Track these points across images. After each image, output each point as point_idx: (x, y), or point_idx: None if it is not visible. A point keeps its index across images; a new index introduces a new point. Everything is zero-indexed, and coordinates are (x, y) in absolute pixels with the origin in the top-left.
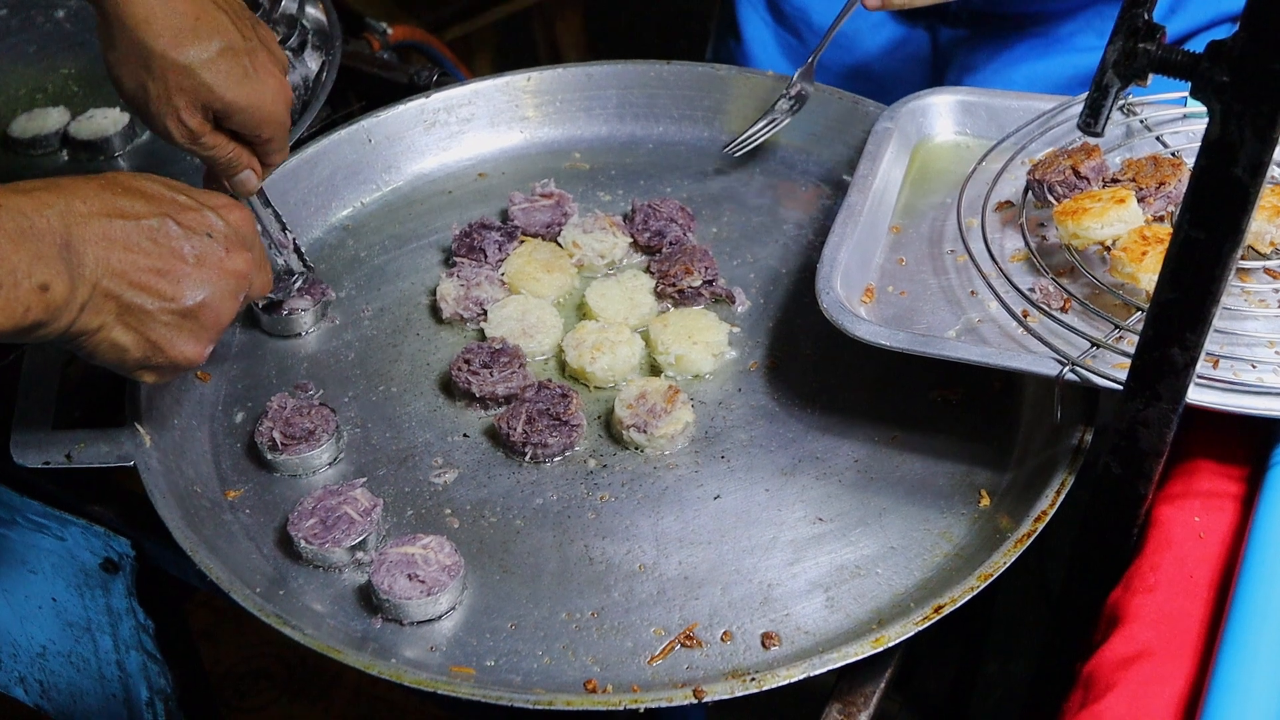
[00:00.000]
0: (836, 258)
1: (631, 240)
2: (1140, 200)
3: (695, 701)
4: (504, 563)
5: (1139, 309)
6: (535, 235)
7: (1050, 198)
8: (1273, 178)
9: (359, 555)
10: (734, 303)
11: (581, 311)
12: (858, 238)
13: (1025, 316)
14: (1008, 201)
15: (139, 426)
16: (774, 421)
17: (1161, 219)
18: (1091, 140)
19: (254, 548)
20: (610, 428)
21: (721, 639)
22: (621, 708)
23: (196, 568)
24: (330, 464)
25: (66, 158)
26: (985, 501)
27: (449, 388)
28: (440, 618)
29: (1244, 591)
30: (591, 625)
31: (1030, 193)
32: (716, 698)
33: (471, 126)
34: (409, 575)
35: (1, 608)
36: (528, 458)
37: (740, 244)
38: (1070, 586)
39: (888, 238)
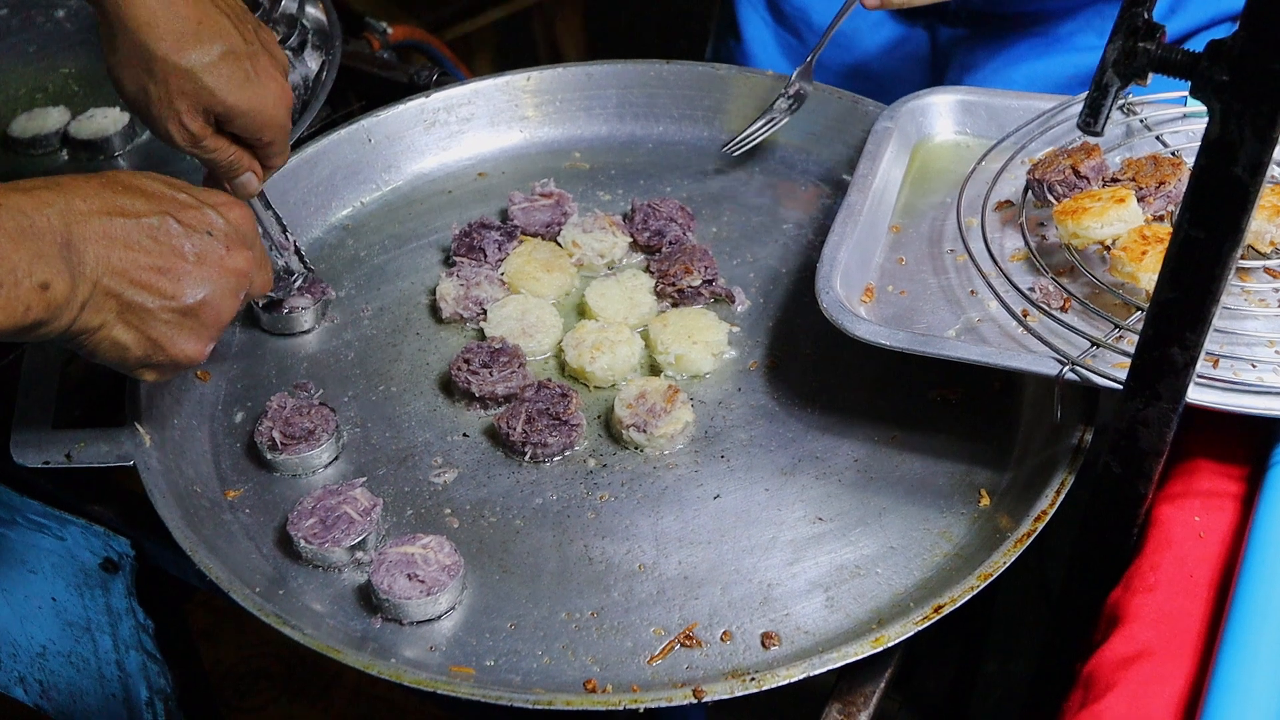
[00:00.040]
0: (836, 257)
1: (631, 240)
2: (1140, 200)
3: (695, 701)
4: (504, 562)
5: (1139, 308)
6: (535, 235)
7: (1050, 197)
8: (1272, 177)
9: (358, 555)
10: (734, 302)
11: (581, 311)
12: (857, 237)
13: (1025, 316)
14: (1007, 201)
15: (139, 426)
16: (774, 421)
17: (1161, 218)
18: (1091, 140)
19: (254, 547)
20: (610, 427)
21: (721, 639)
22: (621, 707)
23: (196, 567)
24: (330, 464)
25: (66, 157)
26: (985, 501)
27: (449, 387)
28: (440, 617)
29: (1244, 591)
30: (591, 625)
31: (1030, 192)
32: (716, 697)
33: (471, 126)
34: (409, 575)
35: (1, 607)
36: (527, 457)
37: (740, 243)
38: (1070, 586)
39: (887, 237)
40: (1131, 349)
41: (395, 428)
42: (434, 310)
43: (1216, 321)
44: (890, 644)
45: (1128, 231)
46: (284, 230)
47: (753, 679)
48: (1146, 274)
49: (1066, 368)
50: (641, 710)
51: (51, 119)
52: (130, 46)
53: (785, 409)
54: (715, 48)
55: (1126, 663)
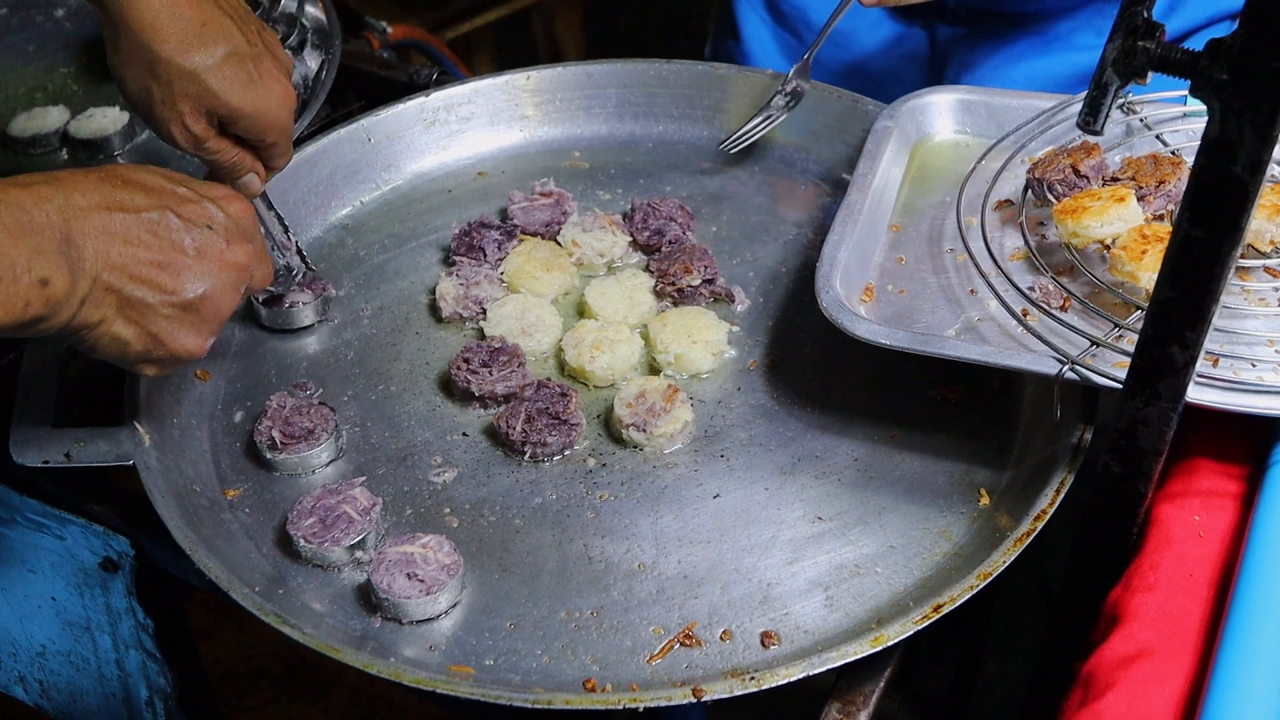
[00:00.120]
0: (836, 256)
1: (631, 239)
2: (1140, 199)
3: (694, 700)
4: (503, 562)
5: (1139, 307)
6: (535, 234)
7: (1050, 196)
8: (1272, 176)
9: (358, 554)
10: (733, 301)
11: (581, 310)
12: (857, 236)
13: (1025, 315)
14: (1007, 200)
15: (138, 425)
16: (773, 420)
17: (1161, 217)
18: (1091, 139)
19: (253, 547)
20: (609, 427)
21: (721, 638)
22: (620, 707)
23: (196, 567)
24: (329, 463)
25: (66, 156)
26: (985, 500)
27: (448, 387)
28: (439, 617)
29: (1244, 590)
30: (590, 624)
31: (1030, 191)
32: (716, 697)
33: (471, 125)
34: (408, 574)
35: (1, 607)
36: (527, 457)
37: (739, 243)
38: (1070, 585)
39: (887, 236)
40: (1131, 348)
41: (395, 427)
42: (433, 309)
43: (1216, 320)
44: (890, 643)
45: (1127, 230)
46: (286, 230)
47: (752, 678)
48: (1146, 273)
49: (1066, 367)
50: (641, 709)
51: (51, 118)
52: (133, 48)
53: (785, 408)
54: (714, 47)
55: (1126, 662)
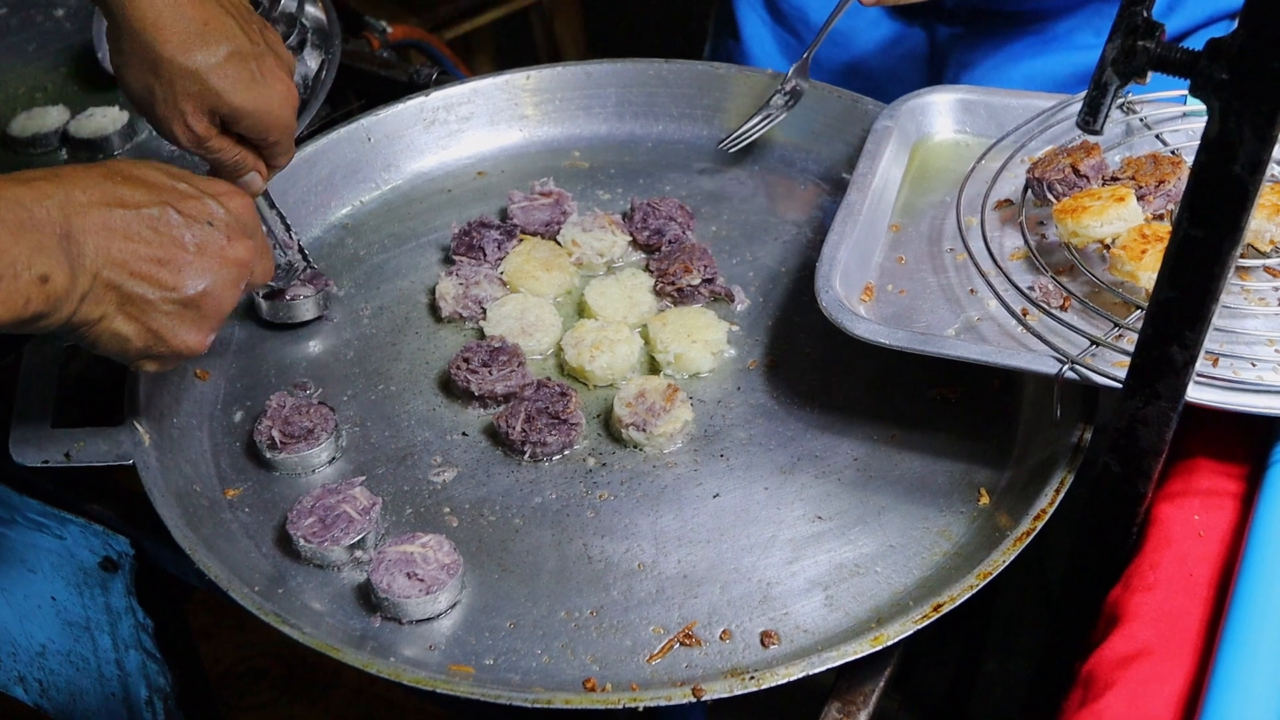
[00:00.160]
0: (836, 256)
1: (630, 239)
2: (1140, 198)
3: (694, 700)
4: (503, 561)
5: (1138, 307)
6: (534, 234)
7: (1050, 196)
8: (1272, 176)
9: (358, 554)
10: (733, 301)
11: (581, 310)
12: (857, 236)
13: (1025, 315)
14: (1007, 200)
15: (138, 425)
16: (773, 420)
17: (1161, 217)
18: (1091, 138)
19: (253, 546)
20: (609, 426)
21: (720, 637)
22: (620, 706)
23: (195, 566)
24: (329, 463)
25: (66, 156)
26: (984, 500)
27: (448, 386)
28: (439, 616)
29: (1243, 590)
30: (590, 624)
31: (1030, 191)
32: (715, 696)
33: (471, 125)
34: (408, 574)
35: (1, 607)
36: (527, 456)
37: (739, 242)
38: (1070, 585)
39: (887, 236)
40: (1131, 348)
41: (394, 427)
42: (433, 309)
43: (1216, 320)
44: (890, 643)
45: (1127, 230)
46: (288, 228)
47: (752, 678)
48: (1146, 273)
49: (1066, 366)
50: (641, 709)
51: (51, 118)
52: (136, 47)
53: (784, 408)
54: (713, 47)
55: (1126, 661)
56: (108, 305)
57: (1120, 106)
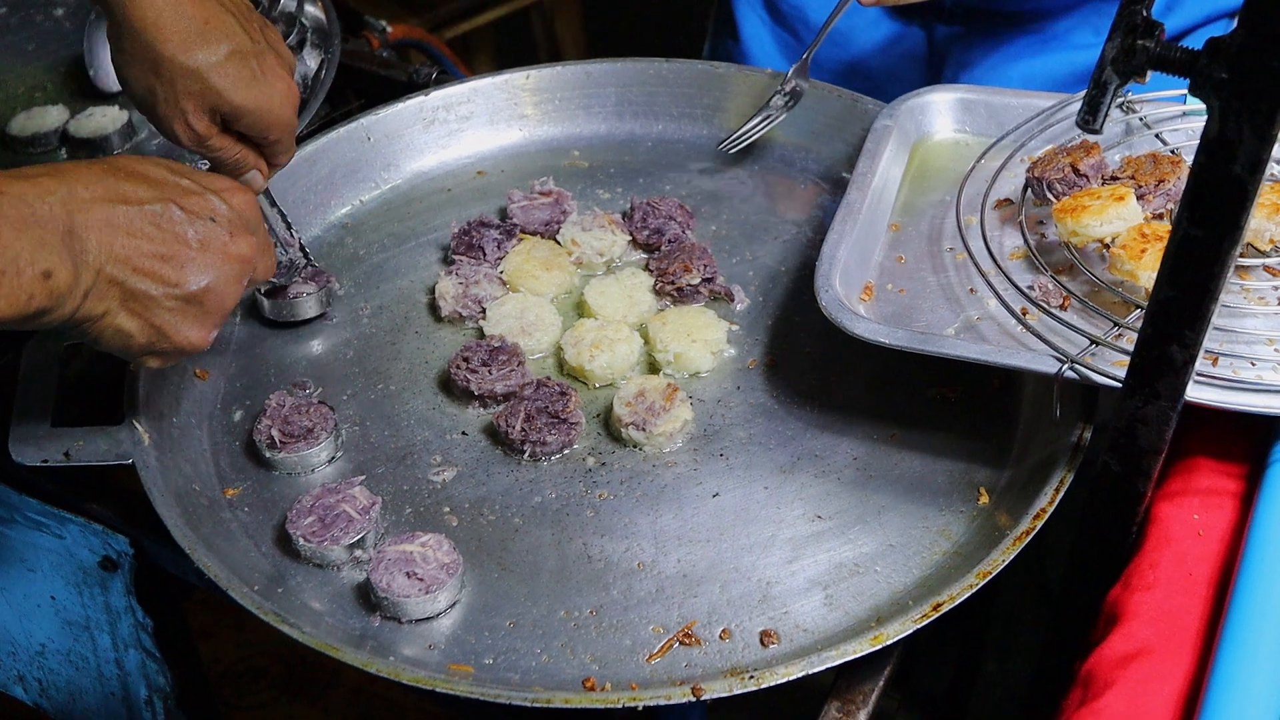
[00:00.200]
0: (835, 255)
1: (630, 238)
2: (1139, 198)
3: (694, 699)
4: (502, 561)
5: (1138, 306)
6: (534, 233)
7: (1049, 195)
8: (1272, 175)
9: (357, 553)
10: (733, 300)
11: (580, 309)
12: (857, 235)
13: (1024, 314)
14: (1007, 199)
15: (137, 424)
16: (773, 419)
17: (1161, 216)
18: (1091, 138)
19: (252, 546)
20: (609, 426)
21: (720, 637)
22: (620, 706)
23: (195, 566)
24: (329, 462)
25: (65, 156)
26: (984, 499)
27: (448, 386)
28: (438, 616)
29: (1243, 589)
30: (590, 623)
31: (1029, 190)
32: (715, 696)
33: (470, 124)
34: (407, 573)
35: (0, 606)
36: (526, 456)
37: (739, 242)
38: (1069, 584)
39: (887, 235)
40: (1131, 347)
41: (394, 426)
42: (433, 308)
43: (1215, 319)
44: (889, 642)
45: (1127, 229)
46: (289, 226)
47: (751, 677)
48: (1146, 272)
49: (1066, 366)
50: (640, 708)
51: (50, 117)
52: (137, 47)
53: (784, 407)
54: (713, 46)
55: (1125, 661)
56: (111, 301)
57: (1120, 106)
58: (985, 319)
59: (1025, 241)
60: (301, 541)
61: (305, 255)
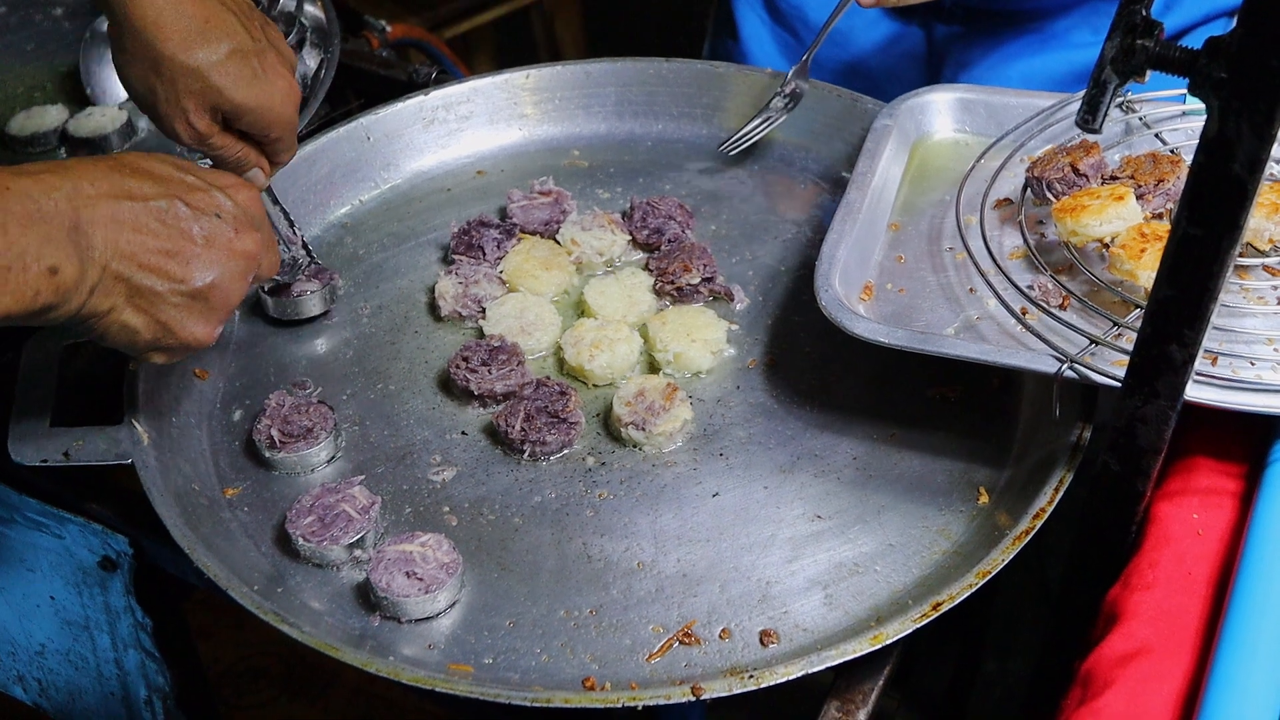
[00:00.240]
0: (835, 255)
1: (630, 238)
2: (1139, 197)
3: (693, 699)
4: (502, 560)
5: (1138, 306)
6: (534, 233)
7: (1049, 195)
8: (1271, 175)
9: (357, 553)
10: (732, 300)
11: (580, 309)
12: (856, 235)
13: (1024, 314)
14: (1006, 199)
15: (137, 424)
16: (772, 419)
17: (1160, 216)
18: (1090, 137)
19: (252, 545)
20: (609, 425)
21: (720, 636)
22: (620, 705)
23: (194, 565)
24: (328, 462)
25: (65, 155)
26: (984, 499)
27: (447, 385)
28: (438, 615)
29: (1242, 588)
30: (590, 623)
31: (1029, 190)
32: (715, 695)
33: (470, 124)
34: (407, 573)
35: (0, 606)
36: (526, 455)
37: (739, 241)
38: (1069, 584)
39: (886, 235)
40: (1130, 346)
41: (394, 426)
42: (433, 308)
43: (1215, 319)
44: (889, 641)
45: (1126, 229)
46: (291, 225)
47: (751, 676)
48: (1145, 271)
49: (1065, 365)
50: (640, 708)
51: (50, 117)
52: (137, 46)
53: (784, 407)
54: (712, 46)
55: (1125, 660)
56: (117, 297)
57: (1119, 105)
58: (985, 318)
59: (1025, 241)
60: (301, 541)
61: (308, 252)
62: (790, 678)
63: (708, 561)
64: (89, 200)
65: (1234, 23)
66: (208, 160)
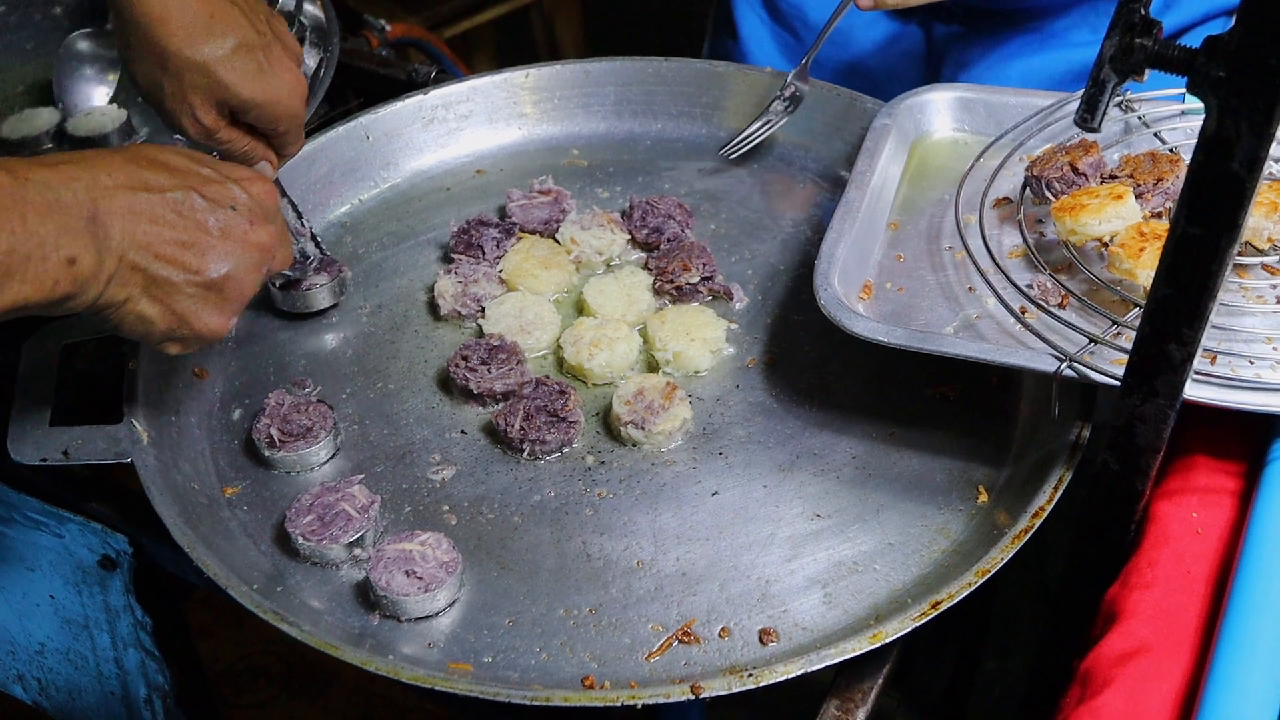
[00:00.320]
0: (834, 254)
1: (629, 237)
2: (1138, 196)
3: (693, 698)
4: (502, 559)
5: (1137, 305)
6: (533, 232)
7: (1048, 194)
8: (1270, 173)
9: (356, 552)
10: (732, 299)
11: (579, 308)
12: (856, 234)
13: (1023, 313)
14: (1006, 198)
15: (136, 423)
16: (772, 418)
17: (1159, 215)
18: (1089, 136)
19: (251, 544)
20: (608, 424)
21: (719, 635)
22: (619, 704)
23: (194, 564)
24: (328, 461)
25: None
26: (983, 497)
27: (447, 384)
28: (438, 614)
29: (1241, 587)
30: (589, 622)
31: (1028, 189)
32: (714, 694)
33: (469, 123)
34: (407, 572)
35: (0, 605)
36: (525, 454)
37: (738, 240)
38: (1068, 583)
39: (886, 234)
40: (1129, 345)
41: (393, 425)
42: (432, 307)
43: (1214, 318)
44: (888, 640)
45: (1125, 228)
46: (300, 216)
47: (750, 675)
48: (1144, 270)
49: (1064, 364)
50: (639, 706)
51: (42, 119)
52: (143, 41)
53: (783, 406)
54: (712, 45)
55: (1124, 659)
56: (133, 288)
57: (1118, 104)
58: (984, 317)
59: (1024, 240)
60: (300, 540)
61: (317, 244)
62: (789, 676)
63: (707, 560)
64: (107, 191)
65: (1232, 22)
66: (214, 154)
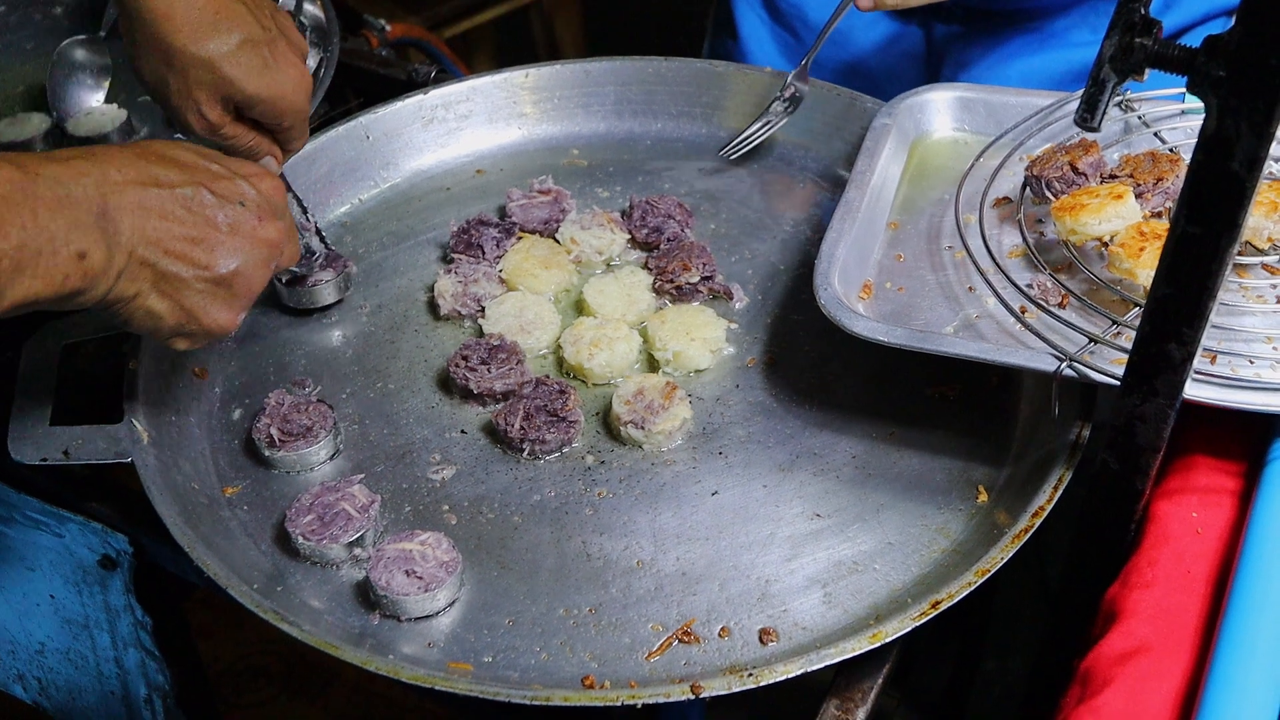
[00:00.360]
0: (834, 254)
1: (629, 237)
2: (1138, 196)
3: (693, 697)
4: (502, 559)
5: (1137, 304)
6: (533, 232)
7: (1048, 194)
8: (1270, 173)
9: (356, 551)
10: (732, 299)
11: (579, 308)
12: (856, 234)
13: (1023, 312)
14: (1006, 198)
15: (136, 423)
16: (771, 418)
17: (1159, 215)
18: (1089, 136)
19: (251, 544)
20: (608, 424)
21: (719, 635)
22: (619, 704)
23: (194, 564)
24: (328, 460)
25: None
26: (983, 497)
27: (447, 384)
28: (438, 614)
29: (1241, 587)
30: (589, 621)
31: (1028, 189)
32: (714, 693)
33: (469, 123)
34: (407, 571)
35: (0, 605)
36: (525, 454)
37: (738, 240)
38: (1068, 582)
39: (886, 234)
40: (1129, 345)
41: (393, 424)
42: (432, 307)
43: (1214, 318)
44: (888, 640)
45: (1125, 228)
46: (305, 211)
47: (750, 675)
48: (1144, 270)
49: (1064, 364)
50: (639, 706)
51: (32, 124)
52: (148, 38)
53: (783, 405)
54: (711, 45)
55: (1124, 658)
56: (143, 283)
57: (1118, 104)
58: (984, 317)
59: (1024, 240)
60: (300, 540)
61: (322, 240)
62: (789, 676)
63: (707, 560)
64: (116, 187)
65: (1232, 22)
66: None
